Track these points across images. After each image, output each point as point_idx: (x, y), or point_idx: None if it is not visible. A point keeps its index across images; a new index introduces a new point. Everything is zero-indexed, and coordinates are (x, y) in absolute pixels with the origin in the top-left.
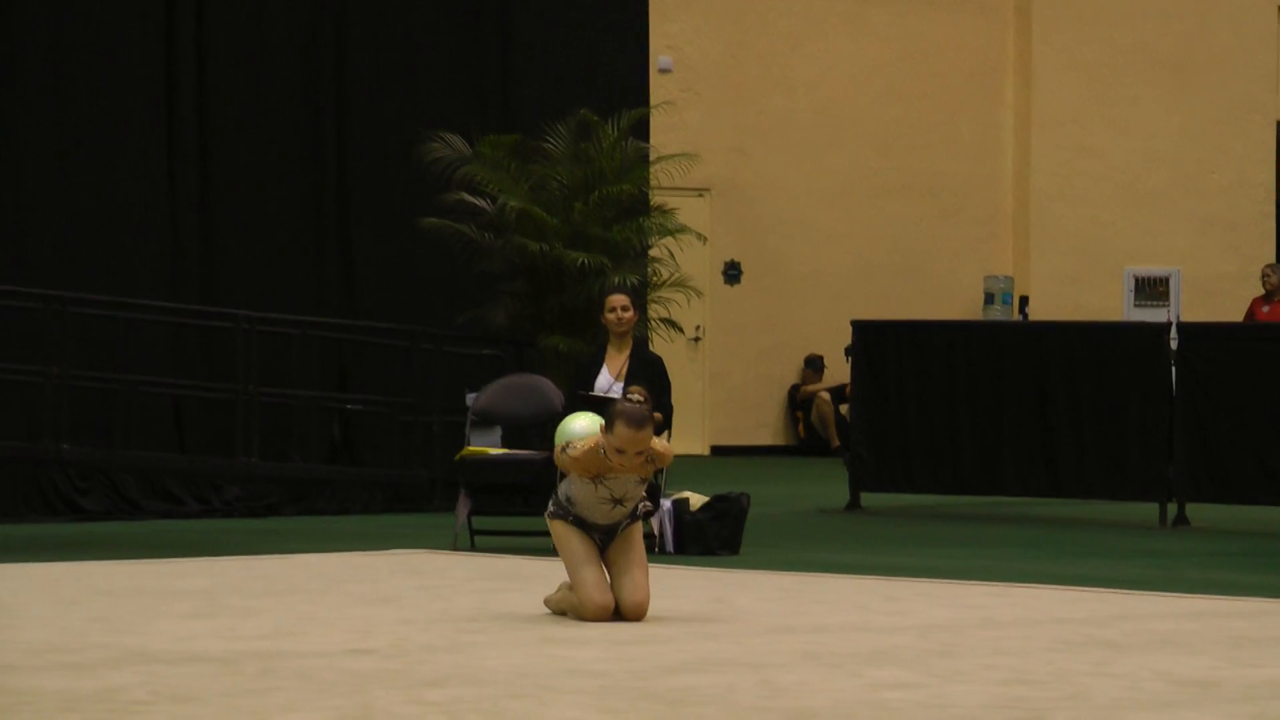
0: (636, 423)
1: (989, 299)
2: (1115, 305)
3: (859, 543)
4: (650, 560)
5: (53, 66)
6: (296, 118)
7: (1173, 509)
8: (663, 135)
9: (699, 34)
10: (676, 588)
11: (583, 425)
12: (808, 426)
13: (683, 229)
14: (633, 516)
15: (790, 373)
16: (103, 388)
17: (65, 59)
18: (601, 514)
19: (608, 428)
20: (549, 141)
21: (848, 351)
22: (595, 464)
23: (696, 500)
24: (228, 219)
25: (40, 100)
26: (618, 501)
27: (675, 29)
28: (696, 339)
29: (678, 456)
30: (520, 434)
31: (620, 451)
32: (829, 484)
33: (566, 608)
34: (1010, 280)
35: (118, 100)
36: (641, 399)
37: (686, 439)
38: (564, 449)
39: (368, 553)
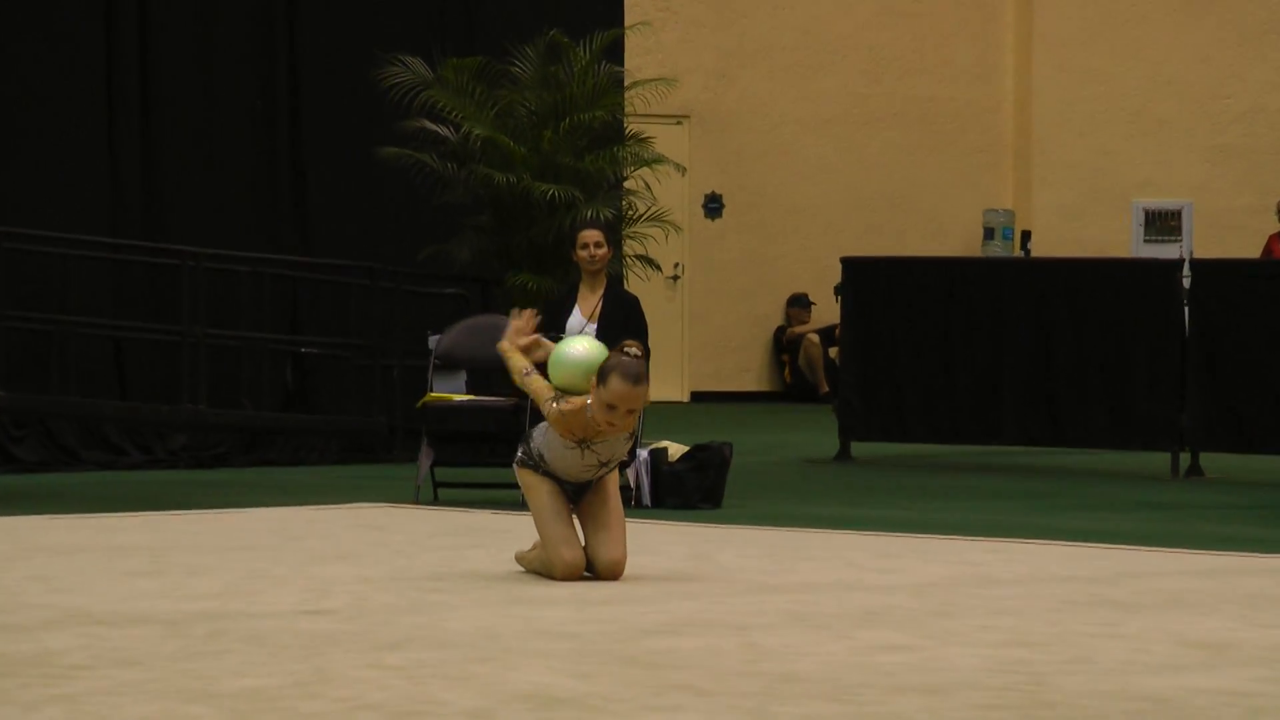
0: (633, 378)
1: (988, 234)
2: (1123, 240)
3: (849, 495)
4: (626, 514)
5: None
6: (244, 39)
7: (1185, 459)
8: (638, 58)
9: None
10: (653, 544)
11: (581, 350)
12: (794, 371)
13: (660, 159)
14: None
15: (775, 313)
16: (38, 329)
17: None
18: (579, 472)
19: (600, 382)
20: (516, 65)
21: (837, 290)
22: (580, 426)
23: (675, 450)
24: (172, 148)
25: None
26: (604, 464)
27: None
28: (675, 277)
29: (655, 403)
30: (486, 379)
31: (611, 408)
32: (817, 432)
33: (539, 566)
34: (1011, 214)
35: (50, 18)
36: (638, 353)
37: (665, 385)
38: (556, 399)
39: (323, 506)
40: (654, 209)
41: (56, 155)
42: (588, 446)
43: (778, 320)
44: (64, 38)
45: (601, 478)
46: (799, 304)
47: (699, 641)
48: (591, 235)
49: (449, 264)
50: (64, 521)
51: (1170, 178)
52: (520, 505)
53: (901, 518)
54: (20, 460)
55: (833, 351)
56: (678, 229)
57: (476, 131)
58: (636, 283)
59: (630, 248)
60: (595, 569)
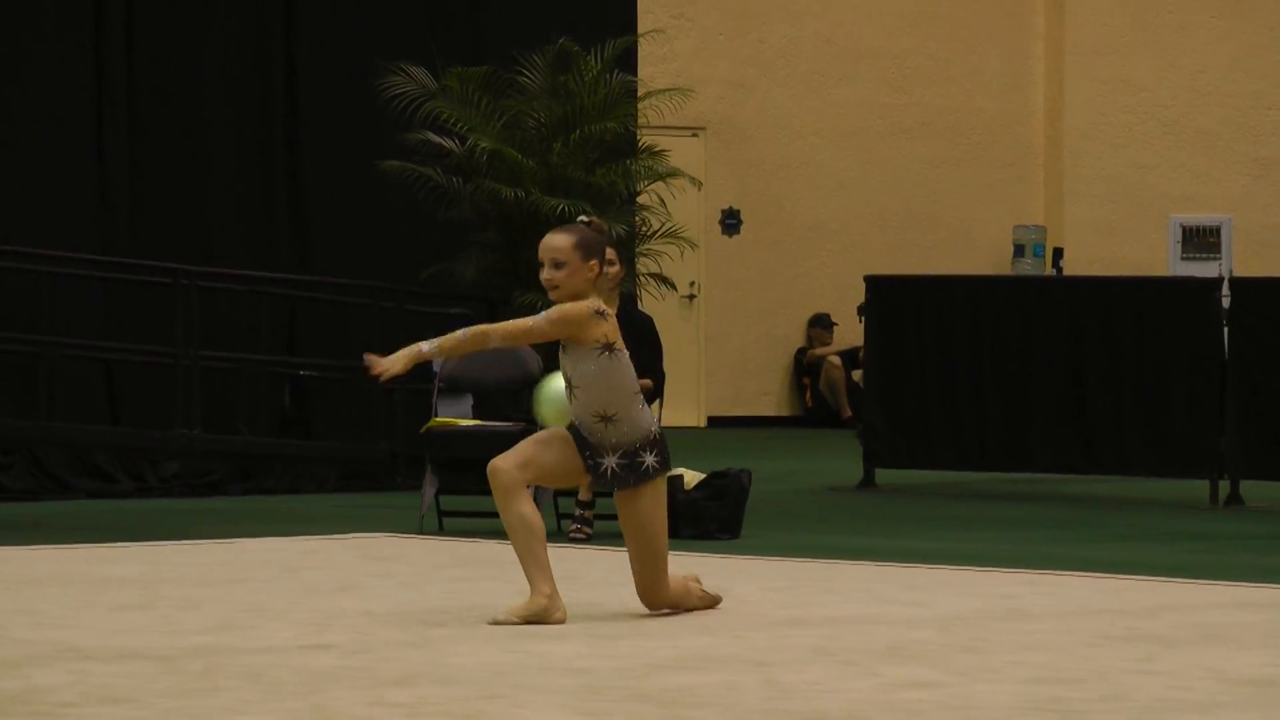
0: (557, 229)
1: (1018, 251)
2: (1160, 258)
3: (873, 525)
4: None
5: None
6: (238, 49)
7: (1224, 487)
8: (652, 67)
9: None
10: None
11: (551, 388)
12: (816, 394)
13: (675, 173)
14: (635, 472)
15: (796, 334)
16: (25, 351)
17: None
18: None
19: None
20: (524, 74)
21: (860, 310)
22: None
23: (692, 478)
24: (163, 162)
25: None
26: (573, 388)
27: None
28: (691, 297)
29: (670, 428)
30: (493, 403)
31: (541, 266)
32: (839, 459)
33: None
34: (1042, 230)
35: (37, 27)
36: (588, 220)
37: (680, 409)
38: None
39: (323, 537)
40: (668, 225)
41: (42, 170)
42: (563, 350)
43: (798, 341)
44: (50, 50)
45: (626, 484)
46: (820, 324)
47: (717, 678)
48: None
49: (454, 283)
50: (52, 552)
51: (1209, 192)
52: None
53: (928, 548)
54: (6, 488)
55: (856, 374)
56: (693, 246)
57: (483, 144)
58: (651, 302)
59: (644, 265)
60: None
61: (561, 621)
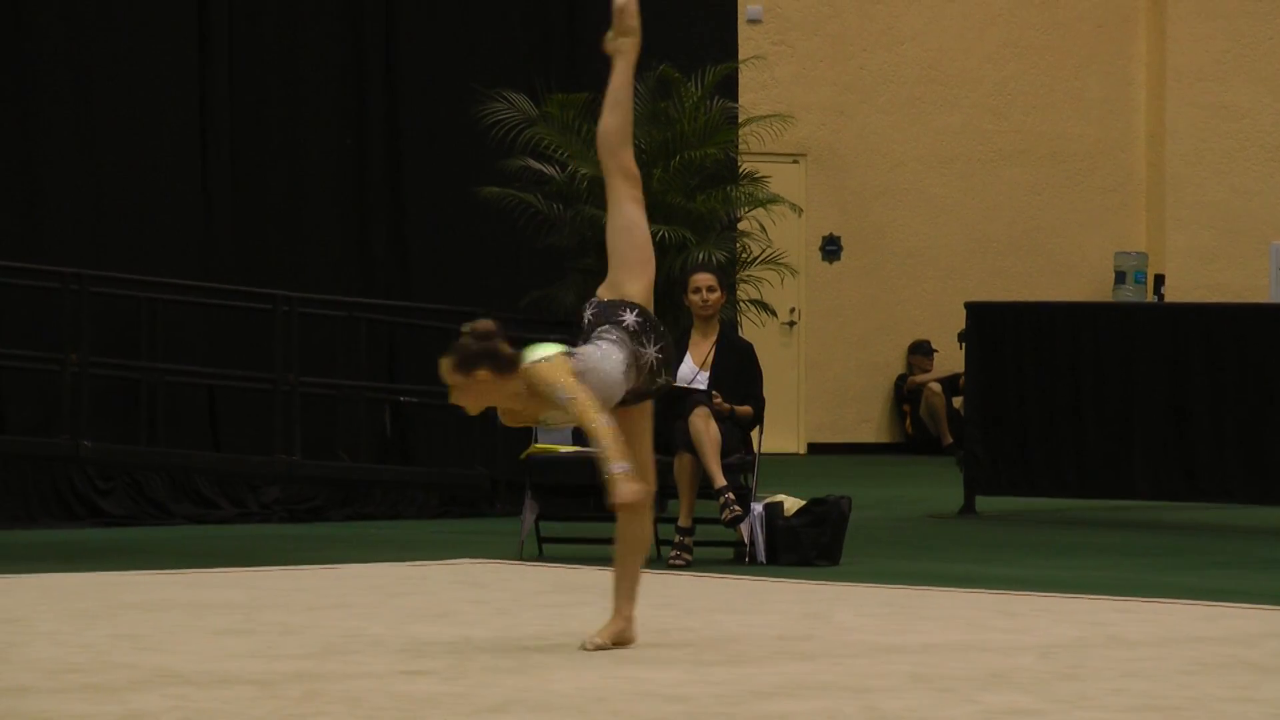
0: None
1: (1119, 278)
2: (1262, 285)
3: (973, 552)
4: (740, 570)
5: (69, 24)
6: (341, 77)
7: None
8: (753, 94)
9: None
10: (768, 602)
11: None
12: (916, 421)
13: (775, 199)
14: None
15: (896, 361)
16: (127, 377)
17: (81, 11)
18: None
19: None
20: None
21: (961, 337)
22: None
23: (791, 504)
24: (265, 189)
25: (56, 58)
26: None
27: None
28: (791, 323)
29: (769, 455)
30: None
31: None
32: (939, 486)
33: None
34: (1143, 257)
35: (142, 57)
36: (468, 328)
37: (780, 435)
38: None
39: (422, 562)
40: (769, 251)
41: (147, 197)
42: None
43: (898, 368)
44: (154, 79)
45: None
46: (921, 351)
47: (816, 705)
48: (704, 279)
49: (554, 309)
50: (152, 577)
51: None
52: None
53: (1028, 575)
54: (107, 513)
55: (956, 401)
56: (794, 272)
57: (583, 170)
58: (751, 329)
59: (744, 292)
60: None
61: (634, 641)
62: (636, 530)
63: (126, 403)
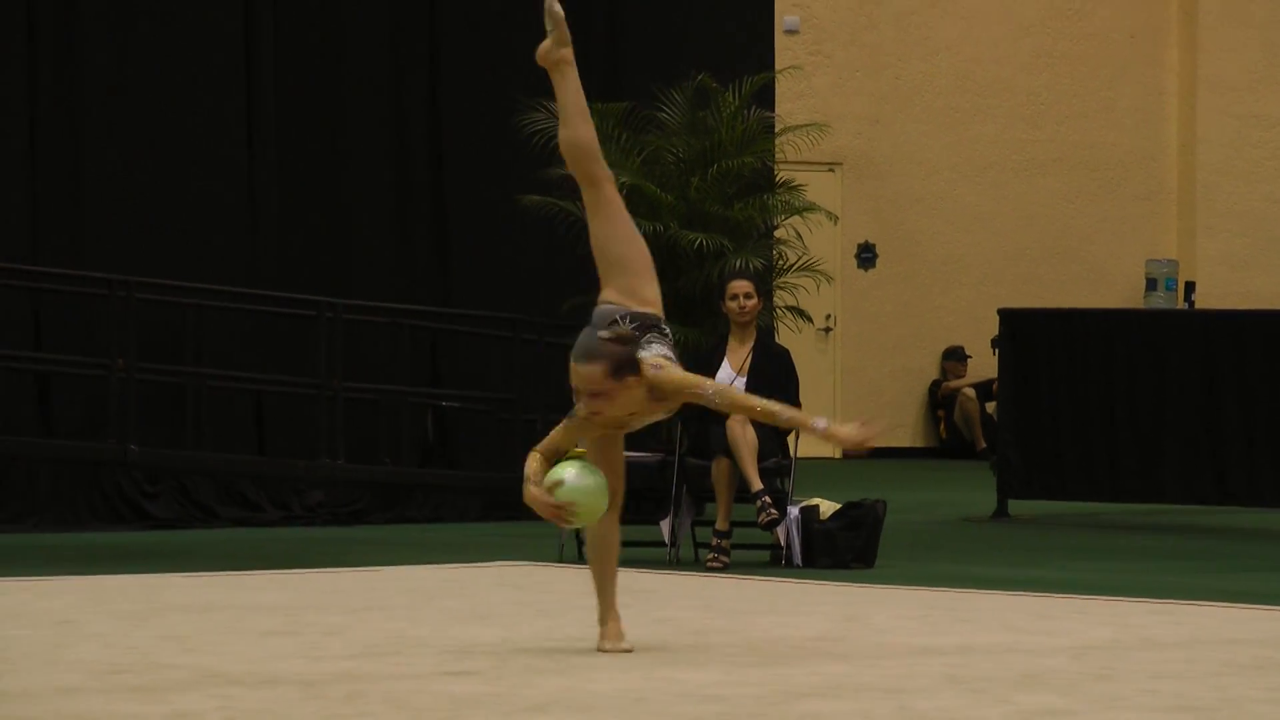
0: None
1: (1151, 285)
2: None
3: (1006, 555)
4: (777, 573)
5: (117, 34)
6: (385, 86)
7: None
8: (789, 103)
9: None
10: (805, 604)
11: (572, 475)
12: (950, 426)
13: (811, 207)
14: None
15: (930, 367)
16: (173, 382)
17: (129, 21)
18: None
19: None
20: (663, 110)
21: (994, 343)
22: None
23: (827, 508)
24: (309, 196)
25: (102, 66)
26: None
27: None
28: (827, 329)
29: (805, 459)
30: (632, 433)
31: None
32: (973, 490)
33: None
34: (1175, 264)
35: (188, 68)
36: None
37: (815, 441)
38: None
39: (465, 565)
40: (805, 259)
41: (193, 204)
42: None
43: (933, 374)
44: (200, 89)
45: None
46: (954, 357)
47: (850, 705)
48: (741, 286)
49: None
50: (198, 579)
51: None
52: (666, 565)
53: (1061, 578)
54: (154, 517)
55: (990, 406)
56: (829, 279)
57: (622, 179)
58: (787, 335)
59: (781, 298)
60: None
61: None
62: (606, 532)
63: (173, 408)
